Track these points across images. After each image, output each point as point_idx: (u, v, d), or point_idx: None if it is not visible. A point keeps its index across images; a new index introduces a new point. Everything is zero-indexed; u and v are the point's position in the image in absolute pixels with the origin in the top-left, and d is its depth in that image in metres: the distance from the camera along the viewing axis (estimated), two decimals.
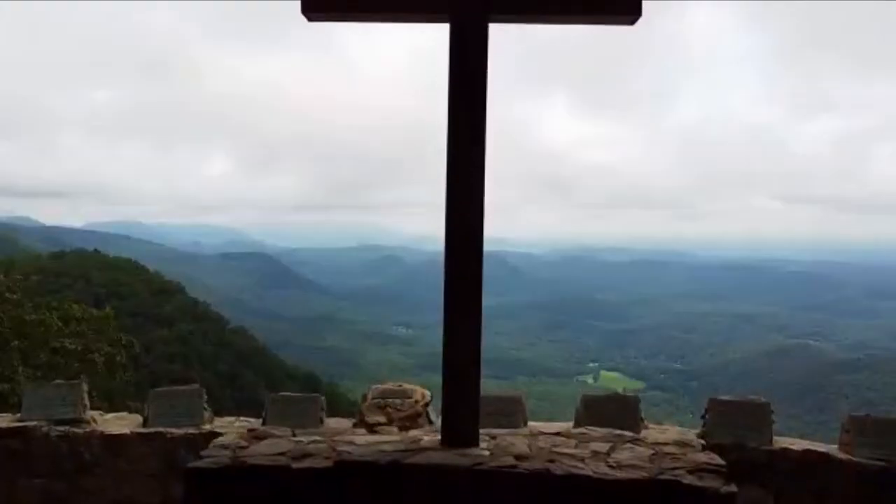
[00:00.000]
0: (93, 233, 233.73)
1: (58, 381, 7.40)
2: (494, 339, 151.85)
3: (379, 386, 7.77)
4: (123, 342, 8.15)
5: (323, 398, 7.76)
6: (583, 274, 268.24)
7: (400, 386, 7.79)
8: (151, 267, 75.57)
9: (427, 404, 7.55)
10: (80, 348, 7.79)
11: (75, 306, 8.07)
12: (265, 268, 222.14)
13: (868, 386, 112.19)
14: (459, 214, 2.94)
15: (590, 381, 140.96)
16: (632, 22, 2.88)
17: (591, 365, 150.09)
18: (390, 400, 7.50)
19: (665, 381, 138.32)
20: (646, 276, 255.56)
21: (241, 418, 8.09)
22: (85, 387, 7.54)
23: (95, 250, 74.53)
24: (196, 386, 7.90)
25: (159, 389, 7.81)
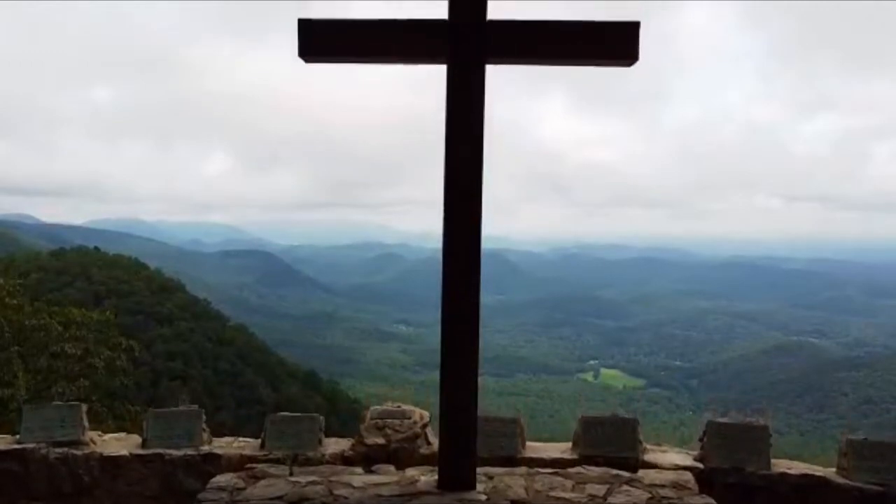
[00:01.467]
0: (93, 230, 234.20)
1: (56, 402, 7.41)
2: (494, 337, 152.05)
3: (378, 407, 7.79)
4: (124, 346, 8.19)
5: (322, 418, 7.77)
6: (583, 272, 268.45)
7: (398, 407, 7.81)
8: (152, 265, 75.59)
9: (426, 425, 7.57)
10: (80, 353, 7.82)
11: (75, 310, 8.10)
12: (265, 265, 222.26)
13: (868, 384, 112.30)
14: (454, 300, 2.94)
15: (590, 378, 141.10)
16: (629, 64, 2.88)
17: (591, 362, 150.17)
18: (389, 420, 7.52)
19: (665, 379, 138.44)
20: (645, 274, 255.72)
21: (240, 439, 8.09)
22: (84, 408, 7.55)
23: (96, 248, 74.53)
24: (195, 407, 7.91)
25: (158, 410, 7.82)
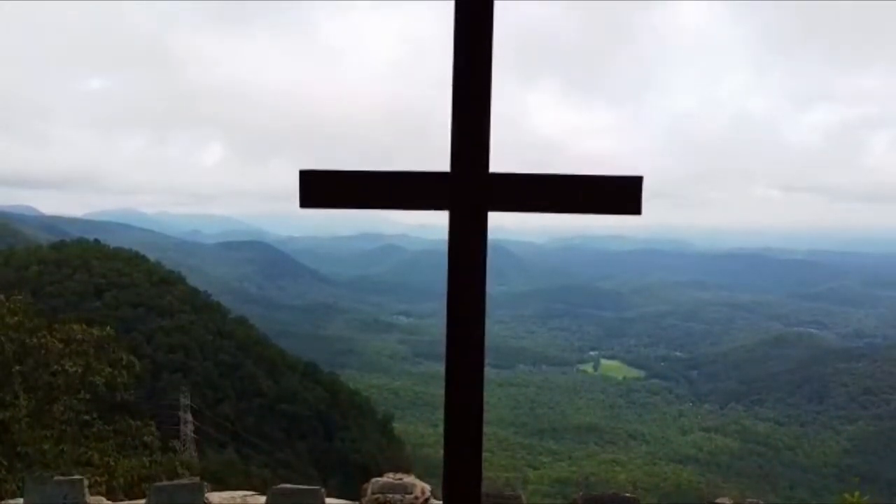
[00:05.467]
0: (93, 222, 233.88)
1: (58, 477, 7.32)
2: (494, 327, 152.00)
3: (379, 480, 7.61)
4: (125, 363, 8.11)
5: (323, 490, 7.50)
6: (583, 263, 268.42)
7: (400, 479, 7.62)
8: (152, 257, 75.61)
9: (427, 500, 7.42)
10: (80, 370, 7.74)
11: (76, 326, 8.01)
12: (265, 257, 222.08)
13: (867, 374, 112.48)
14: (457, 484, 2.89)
15: (590, 370, 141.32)
16: (632, 214, 2.90)
17: (591, 353, 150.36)
18: (390, 495, 7.36)
19: (665, 370, 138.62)
20: (645, 265, 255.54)
21: (246, 496, 7.93)
22: (86, 482, 7.40)
23: (96, 240, 74.39)
24: (197, 479, 7.78)
25: (159, 484, 7.63)
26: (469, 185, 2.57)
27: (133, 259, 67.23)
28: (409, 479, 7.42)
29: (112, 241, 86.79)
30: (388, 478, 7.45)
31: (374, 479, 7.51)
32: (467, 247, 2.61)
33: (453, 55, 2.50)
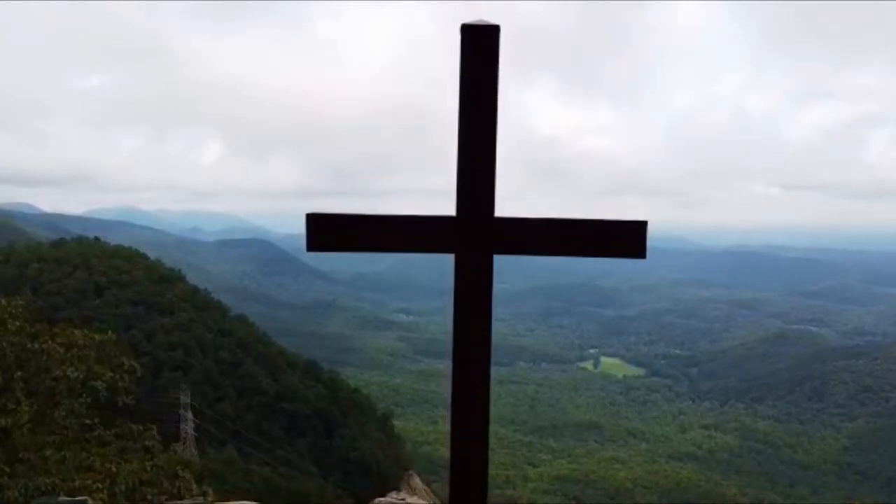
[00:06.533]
0: (93, 220, 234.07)
1: (63, 497, 7.26)
2: (494, 325, 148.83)
3: (382, 500, 7.59)
4: (126, 367, 8.11)
5: (89, 500, 7.42)
6: (582, 260, 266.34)
7: (403, 500, 7.62)
8: (152, 254, 75.57)
9: None
10: (81, 376, 7.74)
11: (77, 332, 8.01)
12: (265, 254, 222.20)
13: (867, 372, 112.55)
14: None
15: (590, 367, 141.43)
16: (637, 258, 2.91)
17: (591, 351, 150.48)
18: None
19: (665, 368, 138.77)
20: (645, 263, 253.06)
21: None
22: (90, 502, 7.34)
23: (96, 238, 74.33)
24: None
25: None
26: (475, 229, 2.59)
27: (133, 257, 67.18)
28: (413, 500, 7.37)
29: (112, 238, 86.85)
30: (391, 497, 7.42)
31: (377, 500, 7.46)
32: (474, 290, 2.63)
33: (459, 95, 2.52)
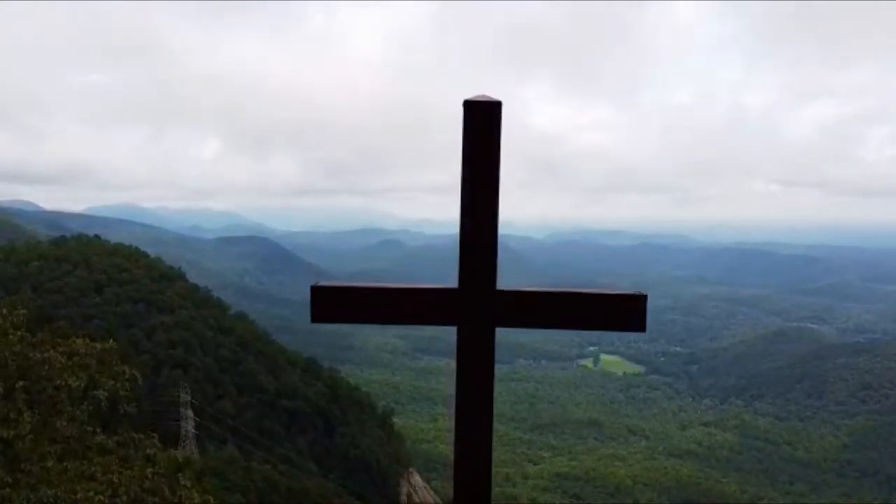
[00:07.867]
0: (93, 217, 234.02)
1: None
2: None
3: None
4: (127, 376, 8.12)
5: None
6: (581, 257, 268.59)
7: None
8: (152, 252, 75.63)
9: None
10: (83, 385, 7.74)
11: (79, 341, 8.00)
12: (265, 252, 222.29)
13: (867, 369, 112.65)
14: None
15: (590, 365, 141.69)
16: (637, 331, 2.93)
17: (590, 349, 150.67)
18: None
19: (665, 365, 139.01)
20: (645, 260, 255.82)
21: None
22: None
23: (96, 236, 74.38)
24: None
25: None
26: (477, 301, 2.61)
27: (133, 255, 67.23)
28: None
29: (112, 235, 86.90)
30: None
31: None
32: (475, 361, 2.64)
33: (461, 169, 2.53)
